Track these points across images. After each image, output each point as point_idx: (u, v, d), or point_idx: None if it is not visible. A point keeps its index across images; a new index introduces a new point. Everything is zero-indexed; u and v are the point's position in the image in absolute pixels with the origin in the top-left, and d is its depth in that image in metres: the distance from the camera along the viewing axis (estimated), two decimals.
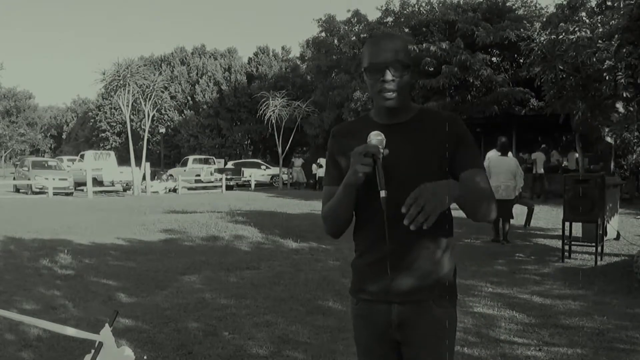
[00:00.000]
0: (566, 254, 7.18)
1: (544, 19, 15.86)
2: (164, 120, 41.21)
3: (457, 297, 1.72)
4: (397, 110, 1.63)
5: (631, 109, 11.15)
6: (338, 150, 1.71)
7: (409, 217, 1.38)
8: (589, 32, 10.66)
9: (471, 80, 21.59)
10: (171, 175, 26.49)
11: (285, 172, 27.10)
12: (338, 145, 1.72)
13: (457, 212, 1.63)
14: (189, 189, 24.46)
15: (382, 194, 1.49)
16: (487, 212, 1.58)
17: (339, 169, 1.68)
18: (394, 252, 1.60)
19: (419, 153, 1.60)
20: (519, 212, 9.35)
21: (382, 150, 1.53)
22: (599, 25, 10.89)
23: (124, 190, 22.97)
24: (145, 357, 2.77)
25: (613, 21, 10.37)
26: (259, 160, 32.28)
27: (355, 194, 1.59)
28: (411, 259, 1.61)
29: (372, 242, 1.64)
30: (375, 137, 1.54)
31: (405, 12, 25.24)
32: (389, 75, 1.56)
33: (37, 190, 21.08)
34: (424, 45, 21.77)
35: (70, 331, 2.14)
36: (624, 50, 9.40)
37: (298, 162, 28.22)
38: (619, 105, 11.10)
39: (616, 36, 9.63)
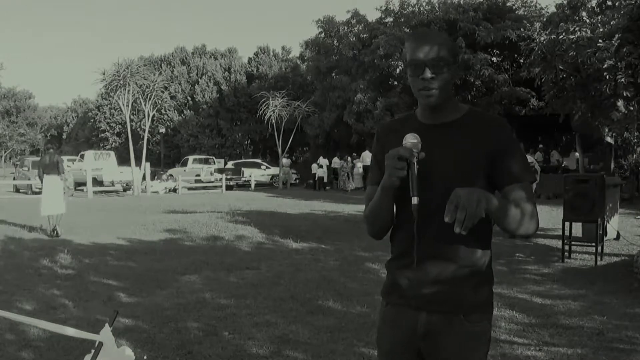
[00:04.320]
0: (566, 254, 7.18)
1: (544, 19, 15.86)
2: (164, 120, 41.20)
3: (492, 313, 1.65)
4: (439, 109, 1.57)
5: (631, 108, 11.15)
6: (381, 149, 1.64)
7: (458, 222, 1.32)
8: (589, 32, 10.65)
9: (472, 80, 21.59)
10: (171, 175, 26.48)
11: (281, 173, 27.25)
12: (381, 144, 1.67)
13: None
14: (189, 189, 24.45)
15: (414, 200, 1.44)
16: (522, 230, 1.52)
17: (382, 169, 1.58)
18: (426, 258, 1.55)
19: (457, 158, 1.52)
20: None
21: (416, 154, 1.46)
22: (599, 25, 10.88)
23: (124, 190, 22.95)
24: (145, 357, 2.77)
25: (613, 21, 10.36)
26: (259, 160, 32.28)
27: (393, 196, 1.54)
28: (442, 267, 1.54)
29: (406, 245, 1.59)
30: (410, 140, 1.48)
31: (405, 12, 25.22)
32: (427, 73, 1.49)
33: (37, 190, 21.05)
34: None
35: (70, 331, 2.13)
36: (624, 49, 9.40)
37: (286, 162, 28.27)
38: (620, 104, 11.09)
39: (616, 36, 9.63)
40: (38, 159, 29.13)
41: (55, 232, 9.10)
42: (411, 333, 1.59)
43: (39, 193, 20.34)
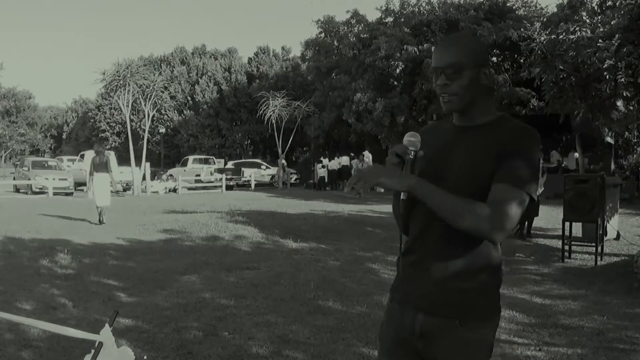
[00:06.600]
0: (566, 254, 7.18)
1: (544, 19, 15.87)
2: (164, 120, 41.20)
3: (496, 319, 1.61)
4: (466, 113, 1.56)
5: (631, 107, 11.16)
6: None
7: (348, 184, 1.43)
8: (589, 32, 10.66)
9: None
10: (171, 175, 26.48)
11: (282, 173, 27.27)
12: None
13: None
14: (189, 189, 24.44)
15: (402, 196, 1.48)
16: (462, 224, 1.42)
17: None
18: (427, 258, 1.55)
19: (471, 160, 1.50)
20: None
21: (411, 152, 1.49)
22: (599, 25, 10.89)
23: (124, 190, 22.95)
24: (145, 357, 2.77)
25: (613, 21, 10.37)
26: (259, 160, 32.28)
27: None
28: (442, 269, 1.52)
29: (412, 243, 1.61)
30: (407, 138, 1.52)
31: (405, 12, 25.20)
32: (441, 79, 1.53)
33: (37, 190, 21.06)
34: (424, 45, 21.73)
35: (70, 331, 2.13)
36: (624, 49, 9.42)
37: (281, 163, 28.37)
38: (620, 104, 11.10)
39: (617, 36, 9.65)
40: (38, 159, 29.29)
41: (101, 220, 10.65)
42: (409, 332, 1.59)
43: (39, 193, 20.57)
